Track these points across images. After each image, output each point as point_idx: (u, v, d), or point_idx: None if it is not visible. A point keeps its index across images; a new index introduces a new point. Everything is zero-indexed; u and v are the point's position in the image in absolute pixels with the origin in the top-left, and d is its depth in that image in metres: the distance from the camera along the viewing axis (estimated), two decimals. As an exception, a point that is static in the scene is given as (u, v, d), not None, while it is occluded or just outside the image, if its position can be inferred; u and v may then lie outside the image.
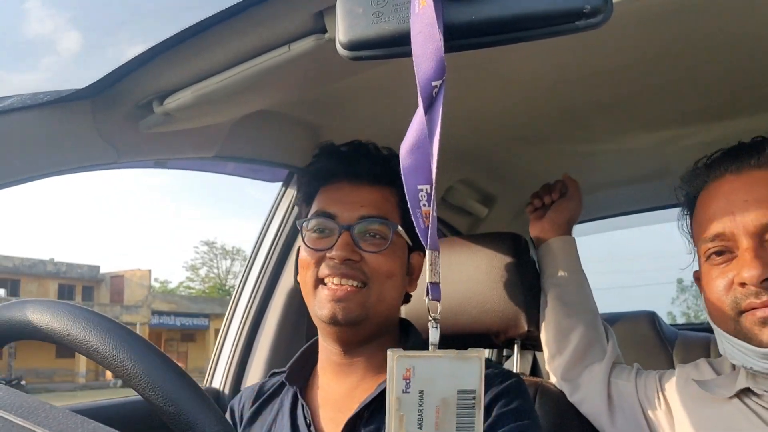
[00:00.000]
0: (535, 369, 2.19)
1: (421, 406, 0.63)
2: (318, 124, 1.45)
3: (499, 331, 1.41)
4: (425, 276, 0.67)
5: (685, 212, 1.14)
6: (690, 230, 1.14)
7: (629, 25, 1.06)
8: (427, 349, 0.66)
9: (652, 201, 2.26)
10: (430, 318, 0.66)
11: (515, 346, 1.52)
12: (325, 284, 1.06)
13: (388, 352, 0.64)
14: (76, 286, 31.85)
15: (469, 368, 0.65)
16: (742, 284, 0.95)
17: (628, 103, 1.46)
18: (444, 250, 1.48)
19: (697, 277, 1.12)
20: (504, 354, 2.40)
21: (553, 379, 1.35)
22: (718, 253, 1.01)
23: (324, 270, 1.06)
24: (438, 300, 0.66)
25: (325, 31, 0.90)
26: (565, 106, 1.48)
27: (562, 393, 1.31)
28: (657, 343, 2.03)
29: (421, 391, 0.63)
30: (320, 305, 1.05)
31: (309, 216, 1.12)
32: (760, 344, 0.94)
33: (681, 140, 1.67)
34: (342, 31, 0.63)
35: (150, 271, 32.05)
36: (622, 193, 2.16)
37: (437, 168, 0.62)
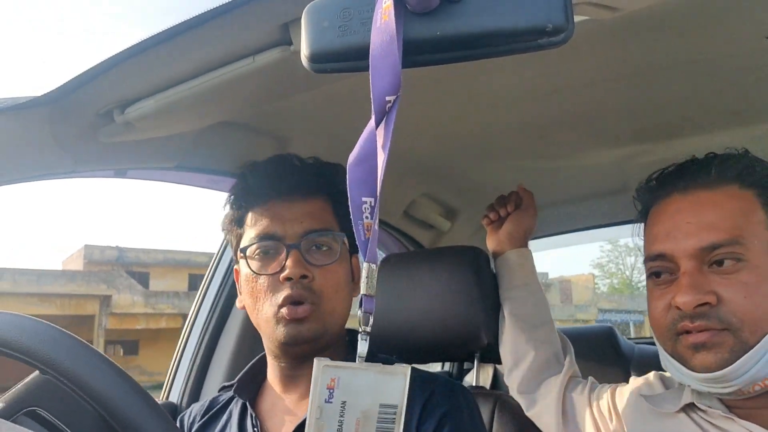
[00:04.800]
0: (497, 382, 2.21)
1: (342, 416, 0.64)
2: (283, 136, 1.44)
3: (459, 345, 1.41)
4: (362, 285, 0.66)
5: (638, 227, 1.14)
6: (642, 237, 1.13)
7: (591, 44, 1.09)
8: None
9: (612, 216, 2.30)
10: (360, 330, 0.66)
11: (475, 360, 1.53)
12: (283, 306, 1.03)
13: (315, 360, 0.65)
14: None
15: (393, 383, 0.66)
16: (678, 307, 0.96)
17: (588, 120, 1.49)
18: (405, 264, 1.49)
19: None
20: (465, 367, 2.41)
21: (512, 392, 1.36)
22: (657, 274, 1.01)
23: (279, 295, 1.04)
24: (371, 312, 0.66)
25: (290, 43, 0.90)
26: (528, 122, 1.50)
27: (521, 406, 1.32)
28: (614, 358, 2.06)
29: (344, 402, 0.64)
30: (280, 329, 1.04)
31: (249, 241, 1.09)
32: (692, 369, 0.95)
33: (640, 157, 1.71)
34: (307, 43, 0.63)
35: (593, 275, 34.21)
36: (582, 209, 2.20)
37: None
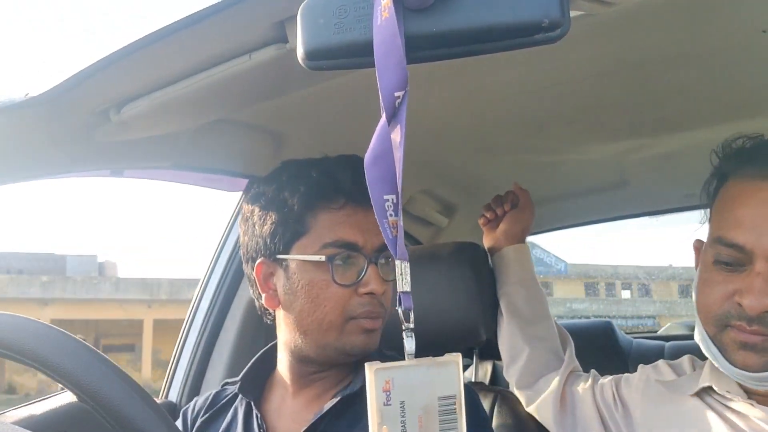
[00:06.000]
0: (496, 378, 2.21)
1: (403, 417, 0.63)
2: (280, 133, 1.44)
3: (458, 341, 1.42)
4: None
5: (711, 186, 1.06)
6: (711, 199, 1.05)
7: (587, 39, 1.08)
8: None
9: (611, 211, 2.30)
10: (403, 328, 0.66)
11: (474, 356, 1.53)
12: (355, 319, 1.03)
13: (366, 365, 0.64)
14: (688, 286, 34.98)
15: (446, 374, 0.66)
16: (740, 304, 0.91)
17: (586, 115, 1.49)
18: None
19: (697, 247, 1.08)
20: (464, 363, 2.41)
21: (512, 388, 1.36)
22: (727, 264, 0.95)
23: (356, 307, 1.02)
24: (410, 309, 0.66)
25: (286, 40, 0.89)
26: (525, 117, 1.50)
27: (521, 402, 1.32)
28: (613, 353, 2.06)
29: (402, 402, 0.63)
30: (349, 339, 1.03)
31: (327, 247, 1.03)
32: (732, 363, 0.94)
33: (638, 151, 1.71)
34: (303, 41, 0.63)
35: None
36: (581, 203, 2.20)
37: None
